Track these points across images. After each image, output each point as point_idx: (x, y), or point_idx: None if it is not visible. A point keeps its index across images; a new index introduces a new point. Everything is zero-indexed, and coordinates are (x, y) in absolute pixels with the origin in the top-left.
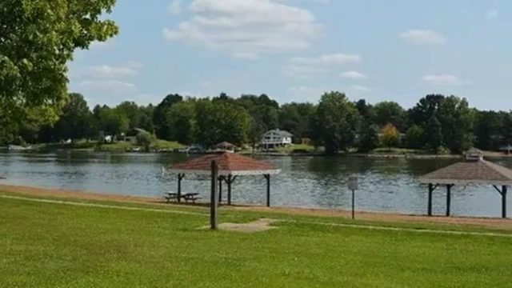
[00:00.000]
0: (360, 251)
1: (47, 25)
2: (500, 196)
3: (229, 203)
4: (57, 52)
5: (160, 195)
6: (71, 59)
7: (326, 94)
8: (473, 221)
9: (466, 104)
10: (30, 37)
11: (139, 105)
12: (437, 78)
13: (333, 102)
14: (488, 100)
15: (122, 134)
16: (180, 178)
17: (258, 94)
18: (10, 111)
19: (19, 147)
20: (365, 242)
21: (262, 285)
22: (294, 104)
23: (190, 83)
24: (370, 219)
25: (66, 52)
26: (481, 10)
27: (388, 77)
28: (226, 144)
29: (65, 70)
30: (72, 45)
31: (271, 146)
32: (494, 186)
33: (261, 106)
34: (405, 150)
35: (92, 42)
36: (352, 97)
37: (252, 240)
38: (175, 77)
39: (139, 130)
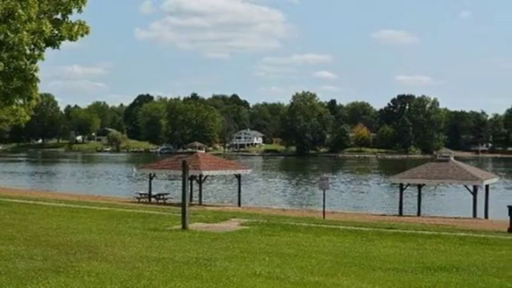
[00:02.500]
0: (331, 251)
1: (18, 25)
2: (471, 196)
3: (200, 203)
4: (28, 52)
5: (131, 195)
6: (42, 59)
7: (297, 94)
8: (443, 221)
9: (437, 104)
10: (1, 37)
11: (110, 105)
12: (409, 78)
13: (304, 102)
14: (460, 100)
15: (93, 134)
16: (151, 178)
17: (229, 94)
18: None
19: None
20: (336, 242)
21: (233, 285)
22: (265, 104)
23: (161, 83)
24: (340, 219)
25: (37, 52)
26: (453, 11)
27: (359, 77)
28: (197, 144)
29: (36, 70)
30: (43, 45)
31: (242, 146)
32: (465, 186)
33: (232, 106)
34: (376, 150)
35: (63, 42)
36: (323, 97)
37: (223, 240)
38: (146, 77)
39: (110, 130)
